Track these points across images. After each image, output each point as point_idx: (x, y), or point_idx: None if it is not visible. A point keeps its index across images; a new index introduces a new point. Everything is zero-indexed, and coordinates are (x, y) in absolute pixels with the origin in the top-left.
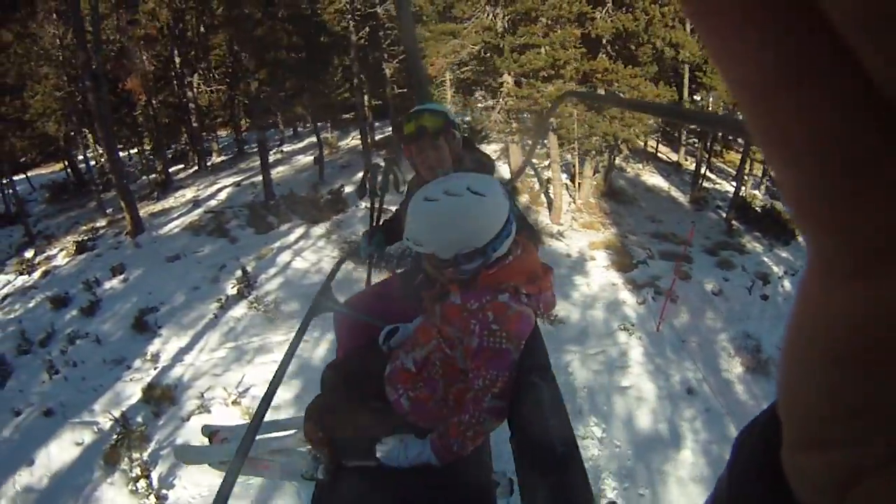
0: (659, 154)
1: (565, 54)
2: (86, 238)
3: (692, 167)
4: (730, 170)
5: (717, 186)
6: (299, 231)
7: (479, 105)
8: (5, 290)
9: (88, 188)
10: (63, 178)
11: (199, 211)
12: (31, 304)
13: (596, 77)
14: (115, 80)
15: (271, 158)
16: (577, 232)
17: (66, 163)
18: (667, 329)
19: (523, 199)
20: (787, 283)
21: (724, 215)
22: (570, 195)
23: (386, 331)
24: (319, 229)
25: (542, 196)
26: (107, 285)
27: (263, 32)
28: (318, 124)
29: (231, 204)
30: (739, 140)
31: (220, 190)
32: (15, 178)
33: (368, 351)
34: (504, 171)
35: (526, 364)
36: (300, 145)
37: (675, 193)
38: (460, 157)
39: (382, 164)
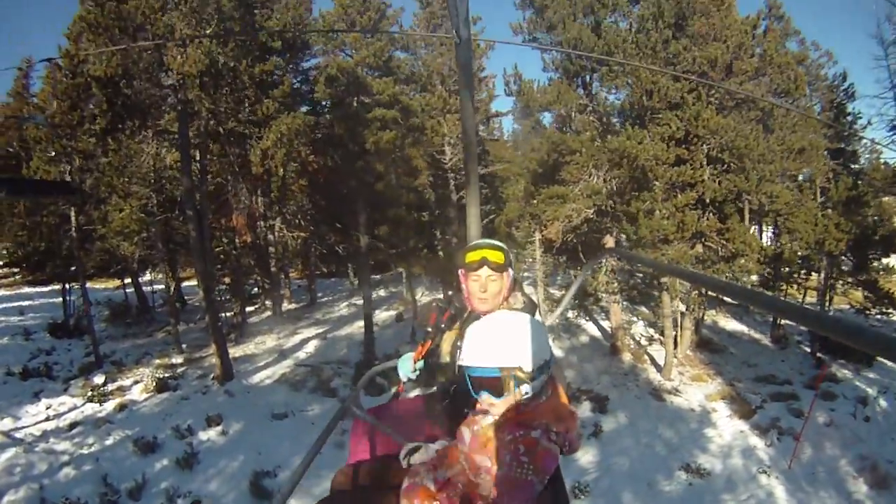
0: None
1: (689, 217)
2: (166, 375)
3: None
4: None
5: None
6: (413, 393)
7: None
8: (72, 416)
9: (151, 314)
10: (122, 299)
11: (289, 363)
12: (108, 441)
13: (709, 237)
14: (218, 215)
15: (345, 311)
16: (688, 386)
17: (132, 284)
18: (796, 465)
19: (626, 357)
20: (882, 402)
21: (809, 350)
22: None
23: (410, 447)
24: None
25: (645, 354)
26: (202, 436)
27: (383, 188)
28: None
29: (324, 359)
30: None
31: (304, 341)
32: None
33: (383, 463)
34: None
35: (547, 499)
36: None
37: (756, 335)
38: (509, 296)
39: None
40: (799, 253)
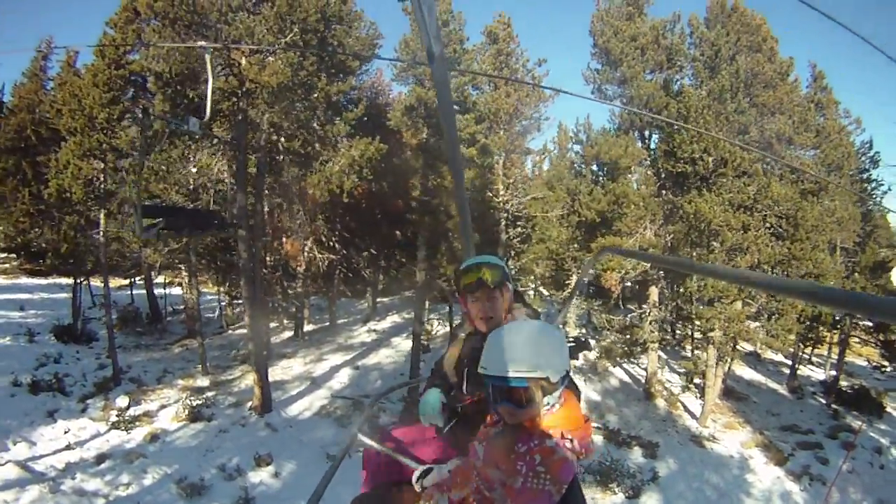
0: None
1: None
2: (198, 403)
3: (769, 355)
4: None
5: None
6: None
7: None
8: (97, 445)
9: (162, 324)
10: (129, 302)
11: (324, 393)
12: (146, 480)
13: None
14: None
15: (366, 337)
16: (723, 433)
17: (145, 288)
18: None
19: (660, 403)
20: (894, 452)
21: (824, 401)
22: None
23: (421, 470)
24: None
25: (678, 401)
26: (253, 477)
27: (453, 226)
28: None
29: (361, 390)
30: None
31: (334, 369)
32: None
33: (397, 488)
34: None
35: None
36: (387, 325)
37: (773, 385)
38: (511, 310)
39: None
40: (834, 316)
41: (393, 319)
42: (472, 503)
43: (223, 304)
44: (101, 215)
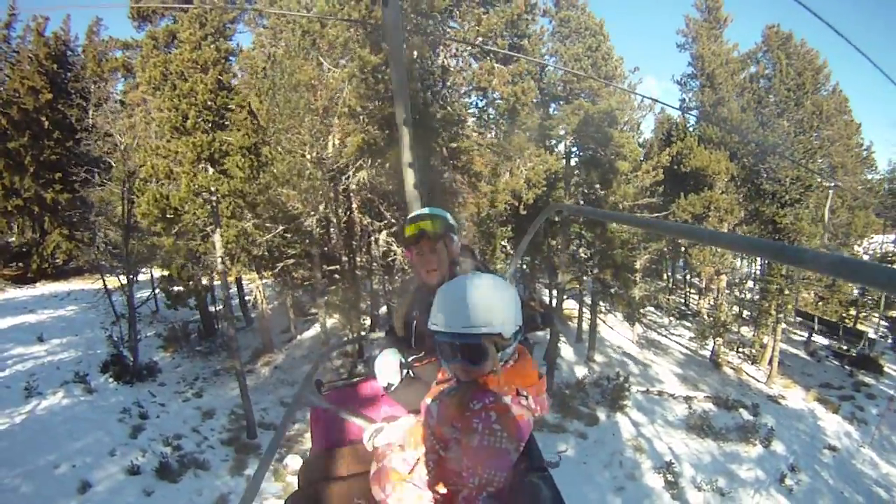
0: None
1: None
2: None
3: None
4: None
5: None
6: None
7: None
8: None
9: (224, 338)
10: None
11: None
12: None
13: None
14: None
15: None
16: (785, 392)
17: (195, 296)
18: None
19: (727, 371)
20: None
21: (837, 363)
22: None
23: (373, 429)
24: None
25: (742, 369)
26: None
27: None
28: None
29: None
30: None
31: None
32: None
33: (349, 448)
34: None
35: (524, 465)
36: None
37: (794, 350)
38: (457, 262)
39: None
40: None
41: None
42: (429, 463)
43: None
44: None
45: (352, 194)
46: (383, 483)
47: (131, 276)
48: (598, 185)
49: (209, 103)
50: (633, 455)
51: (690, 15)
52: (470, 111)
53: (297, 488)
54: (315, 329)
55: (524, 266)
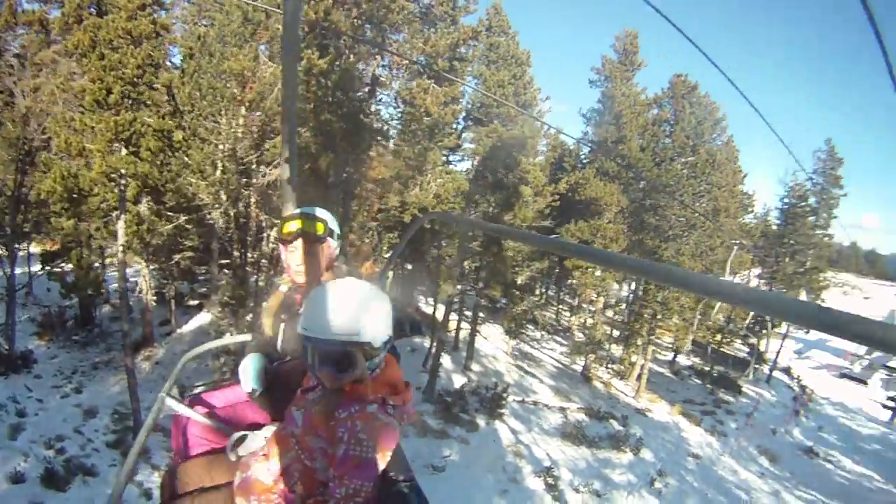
0: None
1: None
2: None
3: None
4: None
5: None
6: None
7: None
8: None
9: (101, 327)
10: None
11: None
12: None
13: None
14: None
15: None
16: (651, 405)
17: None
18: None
19: (597, 385)
20: (756, 415)
21: (699, 381)
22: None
23: (235, 438)
24: None
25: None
26: None
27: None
28: None
29: None
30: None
31: None
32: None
33: (211, 458)
34: None
35: (391, 474)
36: None
37: (659, 369)
38: (334, 267)
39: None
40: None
41: None
42: (293, 474)
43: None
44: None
45: (252, 188)
46: (248, 494)
47: (15, 253)
48: (498, 209)
49: (136, 80)
50: (514, 460)
51: (608, 56)
52: (394, 122)
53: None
54: (197, 322)
55: (403, 273)
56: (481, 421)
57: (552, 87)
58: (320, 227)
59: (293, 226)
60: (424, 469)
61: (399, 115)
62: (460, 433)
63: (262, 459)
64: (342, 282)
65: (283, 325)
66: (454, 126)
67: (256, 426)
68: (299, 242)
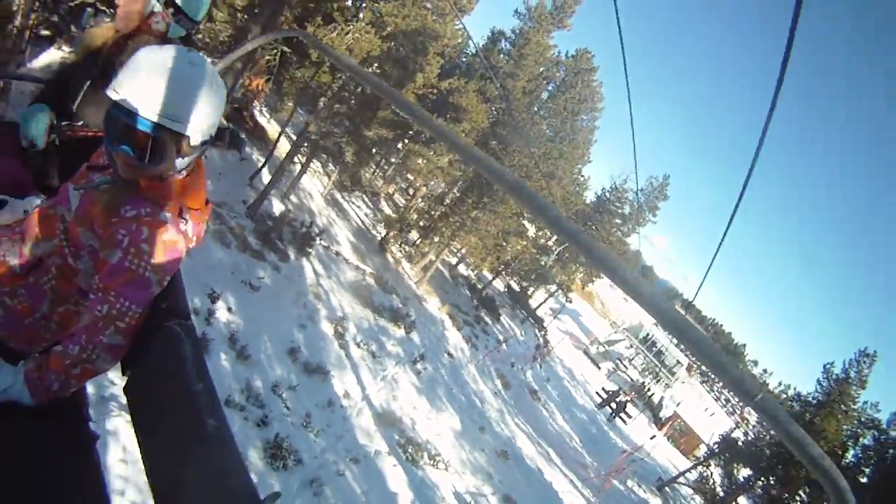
0: None
1: None
2: None
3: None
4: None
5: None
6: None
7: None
8: None
9: None
10: None
11: None
12: None
13: None
14: None
15: None
16: (428, 297)
17: None
18: (483, 362)
19: (390, 257)
20: (509, 342)
21: (468, 293)
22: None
23: None
24: None
25: (403, 262)
26: None
27: None
28: None
29: None
30: None
31: None
32: None
33: None
34: None
35: (163, 306)
36: None
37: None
38: (151, 16)
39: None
40: None
41: None
42: (50, 269)
43: None
44: None
45: None
46: None
47: None
48: (392, 82)
49: None
50: (313, 301)
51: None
52: None
53: None
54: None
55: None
56: (291, 254)
57: None
58: None
59: None
60: (242, 285)
61: None
62: (274, 260)
63: (17, 238)
64: (183, 52)
65: (89, 82)
66: None
67: (18, 188)
68: None
